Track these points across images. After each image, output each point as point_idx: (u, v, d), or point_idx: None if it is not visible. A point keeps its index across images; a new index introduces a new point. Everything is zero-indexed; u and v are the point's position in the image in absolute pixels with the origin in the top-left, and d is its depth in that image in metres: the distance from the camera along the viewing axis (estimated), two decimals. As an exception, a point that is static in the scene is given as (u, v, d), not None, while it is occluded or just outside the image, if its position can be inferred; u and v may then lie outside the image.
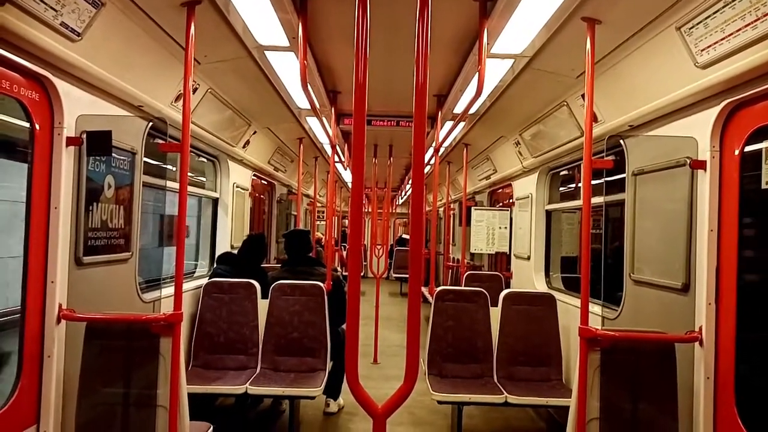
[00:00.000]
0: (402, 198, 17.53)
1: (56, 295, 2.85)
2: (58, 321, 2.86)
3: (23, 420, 2.72)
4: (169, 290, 3.64)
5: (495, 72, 4.02)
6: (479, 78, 3.27)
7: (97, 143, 2.96)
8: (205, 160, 5.91)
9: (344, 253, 14.40)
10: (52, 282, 2.84)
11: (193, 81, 4.07)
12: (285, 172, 8.51)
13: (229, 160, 5.96)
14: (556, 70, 3.83)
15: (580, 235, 6.31)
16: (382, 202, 13.70)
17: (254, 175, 7.09)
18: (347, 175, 11.25)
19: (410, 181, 11.93)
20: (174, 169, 5.07)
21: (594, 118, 3.91)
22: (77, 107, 2.94)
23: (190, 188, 5.52)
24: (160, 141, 3.98)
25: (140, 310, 3.69)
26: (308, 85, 3.61)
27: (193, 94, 4.16)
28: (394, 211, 18.67)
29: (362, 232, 1.96)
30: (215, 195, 6.00)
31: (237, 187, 6.24)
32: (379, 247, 9.89)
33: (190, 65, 2.88)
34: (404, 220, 21.58)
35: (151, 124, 3.71)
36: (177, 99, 3.93)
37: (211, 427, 3.49)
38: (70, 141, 2.89)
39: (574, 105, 4.25)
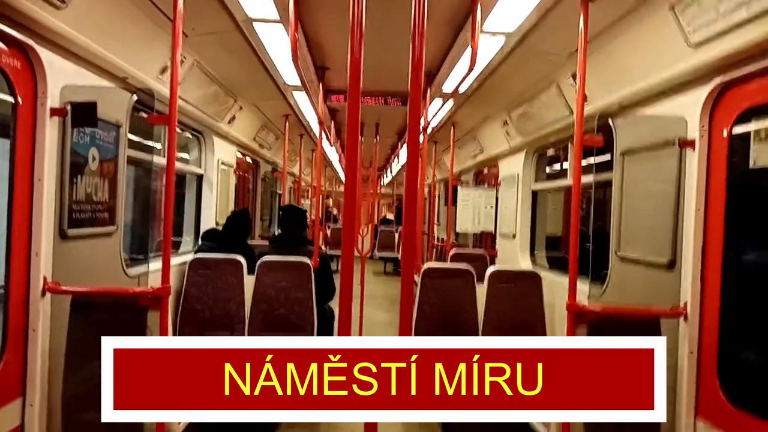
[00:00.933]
0: (387, 178, 17.49)
1: (41, 268, 2.81)
2: (43, 294, 2.82)
3: (9, 392, 2.69)
4: (155, 265, 3.60)
5: (486, 50, 3.99)
6: (472, 55, 3.25)
7: (82, 115, 2.90)
8: (189, 135, 5.82)
9: (328, 231, 14.37)
10: (37, 254, 2.80)
11: (180, 54, 3.99)
12: (270, 150, 8.43)
13: (215, 136, 5.89)
14: (548, 48, 3.82)
15: (568, 213, 6.38)
16: (367, 181, 13.68)
17: (239, 151, 7.02)
18: (332, 153, 11.18)
19: (396, 160, 11.91)
20: (159, 146, 5.02)
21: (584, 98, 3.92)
22: (61, 77, 2.87)
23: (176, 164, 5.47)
24: (145, 115, 3.92)
25: (125, 284, 3.65)
26: (298, 59, 3.55)
27: (180, 66, 4.08)
28: (379, 191, 18.64)
29: (356, 211, 1.96)
30: (200, 171, 5.93)
31: (222, 163, 6.17)
32: (364, 226, 9.89)
33: (178, 37, 2.82)
34: (388, 200, 21.56)
35: (136, 97, 3.64)
36: (163, 71, 3.85)
37: None
38: (54, 112, 2.82)
39: (564, 84, 4.25)
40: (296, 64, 3.38)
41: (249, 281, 4.77)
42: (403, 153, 9.26)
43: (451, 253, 6.75)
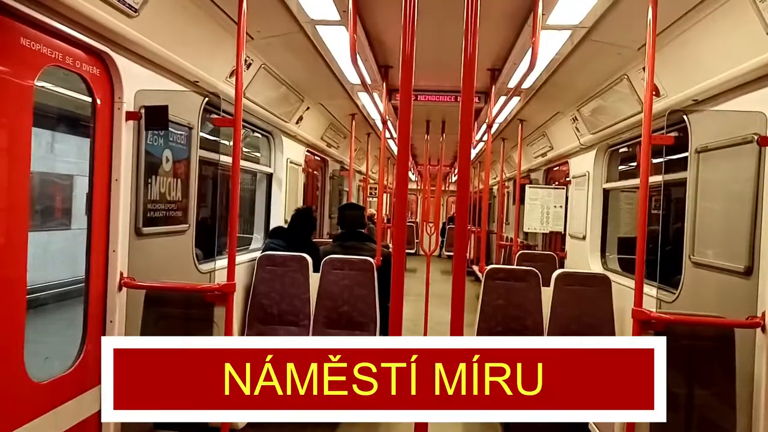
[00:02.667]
0: (455, 175, 17.35)
1: (117, 264, 2.98)
2: (120, 288, 3.00)
3: (89, 380, 2.88)
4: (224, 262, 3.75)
5: (551, 44, 3.88)
6: (533, 51, 3.17)
7: (154, 118, 3.05)
8: (259, 135, 6.01)
9: (396, 229, 14.36)
10: (114, 251, 2.98)
11: (247, 57, 4.12)
12: (338, 149, 8.56)
13: (283, 136, 6.04)
14: (616, 41, 3.67)
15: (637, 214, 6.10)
16: (434, 179, 13.62)
17: (308, 151, 7.17)
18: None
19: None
20: (229, 143, 5.21)
21: (656, 92, 3.73)
22: (136, 82, 3.04)
23: (245, 163, 5.66)
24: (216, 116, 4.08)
25: (197, 280, 3.82)
26: (359, 59, 3.59)
27: (247, 69, 4.22)
28: (446, 188, 18.52)
29: (406, 206, 1.97)
30: (269, 170, 6.10)
31: (291, 162, 6.32)
32: (430, 224, 9.83)
33: (242, 40, 2.91)
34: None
35: (207, 99, 3.79)
36: (231, 75, 3.99)
37: None
38: (129, 115, 2.99)
39: (635, 78, 4.07)
40: (355, 65, 3.41)
41: (314, 278, 4.88)
42: (473, 150, 9.15)
43: (518, 254, 6.61)
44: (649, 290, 3.44)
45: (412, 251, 14.66)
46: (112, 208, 2.98)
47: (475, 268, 6.68)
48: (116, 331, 2.98)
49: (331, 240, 6.22)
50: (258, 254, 5.07)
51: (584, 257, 5.98)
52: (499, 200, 10.09)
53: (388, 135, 6.69)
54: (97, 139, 2.91)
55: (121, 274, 3.01)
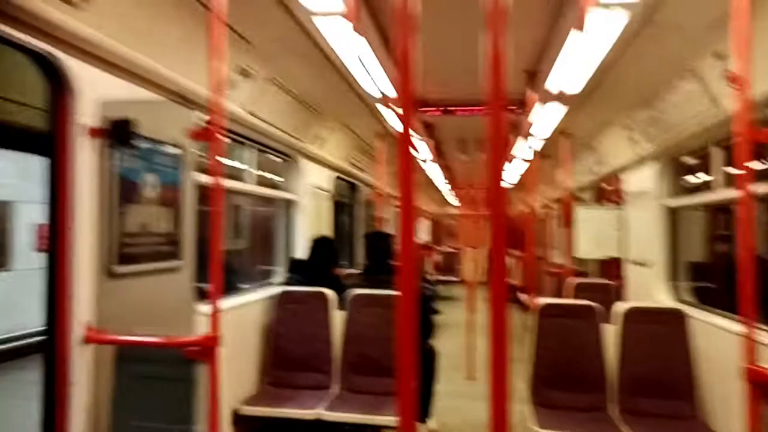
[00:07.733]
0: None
1: (81, 313, 2.46)
2: (85, 342, 2.47)
3: None
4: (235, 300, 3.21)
5: (600, 37, 3.23)
6: (582, 42, 2.54)
7: (115, 133, 2.54)
8: (280, 160, 5.54)
9: (439, 257, 13.72)
10: (77, 297, 2.46)
11: (248, 66, 3.64)
12: (367, 172, 8.12)
13: (304, 159, 5.56)
14: (683, 24, 3.00)
15: (714, 235, 5.30)
16: (476, 202, 13.03)
17: (337, 177, 6.71)
18: (436, 173, 10.64)
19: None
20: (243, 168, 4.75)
21: (738, 82, 3.05)
22: (100, 92, 2.54)
23: (263, 190, 5.18)
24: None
25: (199, 327, 3.27)
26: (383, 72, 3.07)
27: (247, 79, 3.73)
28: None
29: (413, 229, 1.46)
30: (291, 197, 5.62)
31: (314, 187, 5.84)
32: (471, 249, 9.26)
33: (220, 35, 2.42)
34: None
35: (196, 112, 3.29)
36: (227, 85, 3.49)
37: None
38: (93, 132, 2.49)
39: (703, 68, 3.37)
40: (378, 79, 2.87)
41: (338, 317, 4.34)
42: (511, 169, 8.53)
43: (575, 283, 5.89)
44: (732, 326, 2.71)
45: (456, 279, 14.00)
46: (76, 245, 2.47)
47: (523, 296, 6.01)
48: (78, 395, 2.44)
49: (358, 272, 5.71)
50: (272, 290, 4.55)
51: (647, 286, 5.21)
52: (546, 223, 9.38)
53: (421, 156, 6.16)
54: (55, 161, 2.42)
55: (87, 325, 2.48)
